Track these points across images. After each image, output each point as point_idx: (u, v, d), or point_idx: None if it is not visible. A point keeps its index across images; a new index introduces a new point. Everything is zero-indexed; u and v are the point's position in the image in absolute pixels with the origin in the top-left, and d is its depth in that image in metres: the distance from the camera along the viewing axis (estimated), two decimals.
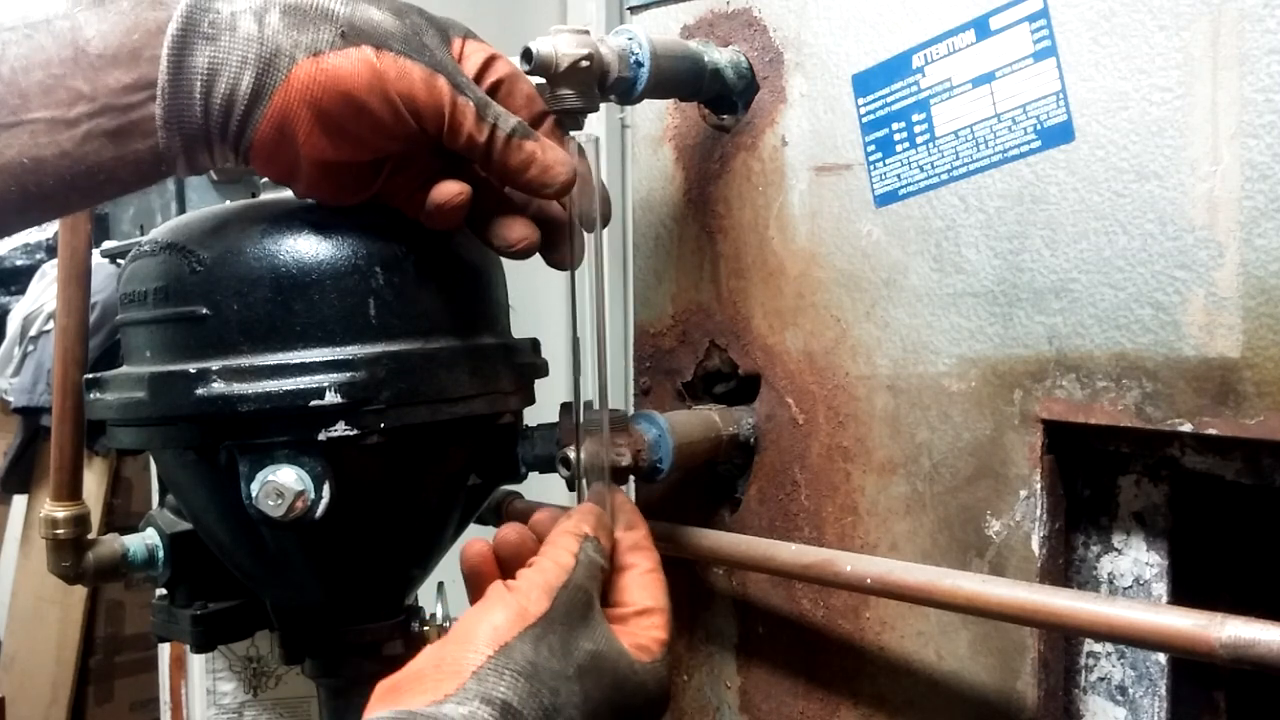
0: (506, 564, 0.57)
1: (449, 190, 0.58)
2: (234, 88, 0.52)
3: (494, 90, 0.58)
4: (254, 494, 0.57)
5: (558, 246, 0.62)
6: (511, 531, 0.58)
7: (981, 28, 0.59)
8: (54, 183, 0.51)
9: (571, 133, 0.61)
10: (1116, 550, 0.62)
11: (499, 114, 0.56)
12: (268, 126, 0.53)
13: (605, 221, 0.63)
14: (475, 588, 0.57)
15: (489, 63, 0.58)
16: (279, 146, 0.54)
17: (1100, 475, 0.62)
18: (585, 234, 0.62)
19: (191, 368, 0.58)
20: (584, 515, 0.57)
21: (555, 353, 0.70)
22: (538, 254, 0.62)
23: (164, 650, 1.53)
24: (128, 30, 0.51)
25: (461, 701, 0.44)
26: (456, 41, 0.57)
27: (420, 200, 0.59)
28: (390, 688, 0.47)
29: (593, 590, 0.52)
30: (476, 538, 0.59)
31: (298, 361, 0.58)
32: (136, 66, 0.51)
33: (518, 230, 0.61)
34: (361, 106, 0.53)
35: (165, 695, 1.54)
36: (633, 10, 0.78)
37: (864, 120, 0.65)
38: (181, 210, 1.24)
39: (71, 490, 0.86)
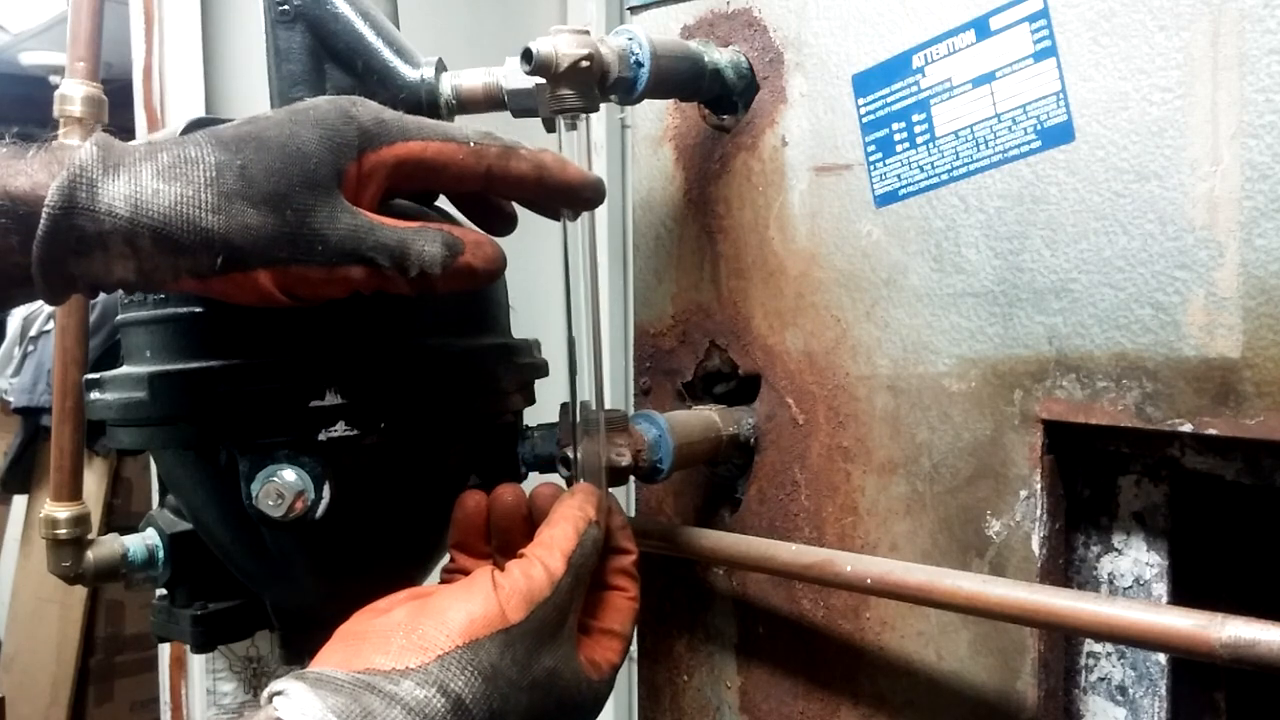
0: (496, 526, 0.59)
1: (487, 253, 0.56)
2: None
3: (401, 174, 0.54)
4: (254, 494, 0.57)
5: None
6: (508, 493, 0.59)
7: (981, 28, 0.59)
8: None
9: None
10: (1116, 550, 0.62)
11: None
12: None
13: None
14: (459, 535, 0.59)
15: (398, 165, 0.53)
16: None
17: (1100, 475, 0.62)
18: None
19: (191, 368, 0.58)
20: (587, 496, 0.58)
21: (555, 353, 0.70)
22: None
23: (164, 650, 1.53)
24: None
25: (421, 684, 0.46)
26: (350, 167, 0.52)
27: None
28: (356, 635, 0.49)
29: (570, 608, 0.53)
30: (475, 489, 0.60)
31: (298, 361, 0.58)
32: None
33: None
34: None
35: (165, 695, 1.54)
36: (633, 10, 0.78)
37: (864, 120, 0.65)
38: None
39: (71, 490, 0.86)
